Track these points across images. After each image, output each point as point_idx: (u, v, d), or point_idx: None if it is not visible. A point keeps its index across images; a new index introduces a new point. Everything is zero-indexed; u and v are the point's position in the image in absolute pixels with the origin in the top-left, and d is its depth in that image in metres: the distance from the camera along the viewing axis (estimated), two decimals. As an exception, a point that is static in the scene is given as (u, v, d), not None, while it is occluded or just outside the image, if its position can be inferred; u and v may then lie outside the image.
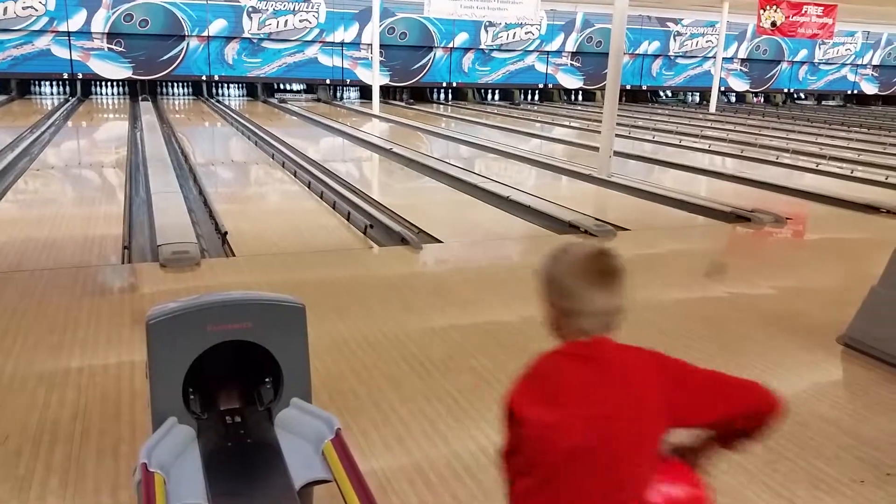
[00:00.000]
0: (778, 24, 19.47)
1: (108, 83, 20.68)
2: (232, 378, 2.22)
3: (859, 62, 28.84)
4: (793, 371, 3.77)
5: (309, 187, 8.44)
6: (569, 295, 1.52)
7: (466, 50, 23.60)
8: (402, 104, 22.82)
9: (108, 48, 19.83)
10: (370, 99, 19.05)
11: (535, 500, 1.39)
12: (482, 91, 25.12)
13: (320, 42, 21.68)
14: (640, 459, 1.42)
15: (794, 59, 27.97)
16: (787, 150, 12.97)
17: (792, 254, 6.67)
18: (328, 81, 22.48)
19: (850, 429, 3.16)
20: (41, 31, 19.15)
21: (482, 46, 23.67)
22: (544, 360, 1.52)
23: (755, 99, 28.34)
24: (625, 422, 1.39)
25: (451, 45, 23.25)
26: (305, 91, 23.14)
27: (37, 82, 20.44)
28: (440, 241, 6.18)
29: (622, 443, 1.39)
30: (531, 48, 24.31)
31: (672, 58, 26.24)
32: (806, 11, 19.66)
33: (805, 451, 2.93)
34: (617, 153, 10.07)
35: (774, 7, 19.27)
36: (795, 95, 28.98)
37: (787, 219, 7.44)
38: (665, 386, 1.46)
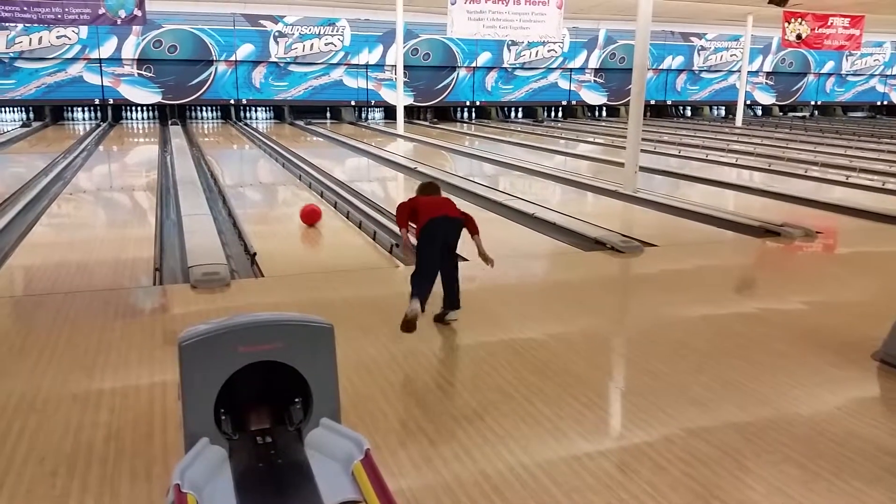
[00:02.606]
0: (803, 36, 19.31)
1: (139, 108, 21.12)
2: (262, 398, 2.23)
3: (888, 73, 28.48)
4: (826, 388, 3.70)
5: (335, 207, 8.51)
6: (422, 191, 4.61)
7: (489, 69, 23.74)
8: (426, 123, 22.97)
9: (138, 74, 20.27)
10: (394, 119, 19.22)
11: (423, 217, 4.27)
12: (505, 109, 25.22)
13: (345, 64, 21.95)
14: (451, 204, 4.43)
15: (821, 72, 27.71)
16: (815, 163, 12.82)
17: (822, 268, 6.58)
18: (353, 103, 22.72)
19: (891, 448, 3.09)
20: (74, 59, 19.66)
21: (505, 65, 23.80)
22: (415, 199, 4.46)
23: (783, 112, 28.08)
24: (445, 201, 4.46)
25: (474, 65, 23.41)
26: (330, 116, 23.39)
27: (69, 108, 20.94)
28: (465, 259, 6.18)
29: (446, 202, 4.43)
30: (554, 66, 24.39)
31: (696, 72, 26.15)
32: (832, 23, 19.49)
33: (842, 472, 2.87)
34: (642, 168, 10.04)
35: (800, 20, 19.14)
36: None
37: (818, 233, 7.35)
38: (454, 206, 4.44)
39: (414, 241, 4.45)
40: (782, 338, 4.42)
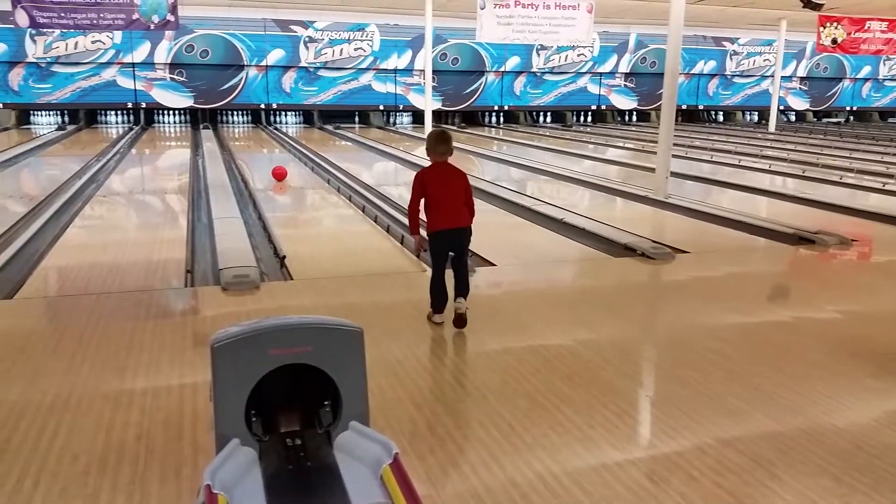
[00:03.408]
0: (839, 41, 18.99)
1: (171, 112, 21.42)
2: (291, 401, 2.24)
3: (927, 77, 27.94)
4: (862, 399, 3.62)
5: (363, 211, 8.54)
6: (431, 145, 4.52)
7: (518, 73, 23.70)
8: (454, 128, 22.99)
9: (171, 78, 20.57)
10: (423, 123, 19.26)
11: (431, 212, 4.47)
12: (534, 114, 25.15)
13: (374, 69, 22.07)
14: (458, 198, 4.49)
15: (857, 77, 27.25)
16: (850, 170, 12.59)
17: (858, 277, 6.45)
18: (381, 107, 22.83)
19: (927, 461, 3.01)
20: (108, 64, 20.00)
21: (534, 69, 23.74)
22: (426, 170, 4.55)
23: (817, 118, 27.65)
24: (452, 187, 4.49)
25: (502, 69, 23.39)
26: (358, 121, 23.51)
27: (103, 112, 21.30)
28: (493, 265, 6.17)
29: (453, 193, 4.48)
30: (584, 70, 24.27)
31: (729, 77, 25.86)
32: (869, 27, 19.14)
33: (880, 486, 2.81)
34: (674, 174, 9.94)
35: (835, 24, 18.83)
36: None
37: (853, 240, 7.21)
38: (464, 180, 4.55)
39: (424, 233, 4.59)
40: (816, 347, 4.33)
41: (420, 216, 4.57)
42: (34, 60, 19.31)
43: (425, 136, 19.62)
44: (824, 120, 27.66)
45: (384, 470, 1.92)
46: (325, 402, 2.14)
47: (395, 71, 22.34)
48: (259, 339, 2.04)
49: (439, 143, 4.52)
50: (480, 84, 23.44)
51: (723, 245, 7.28)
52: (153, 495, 2.69)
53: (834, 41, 18.99)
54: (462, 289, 4.57)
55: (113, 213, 8.97)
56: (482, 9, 15.59)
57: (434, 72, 19.82)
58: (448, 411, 3.42)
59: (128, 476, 2.80)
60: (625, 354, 4.25)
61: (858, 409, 3.52)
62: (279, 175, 10.81)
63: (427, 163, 4.65)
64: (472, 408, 3.46)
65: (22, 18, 12.65)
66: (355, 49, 21.61)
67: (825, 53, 21.87)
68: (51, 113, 20.70)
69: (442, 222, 4.46)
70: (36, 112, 20.60)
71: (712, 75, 25.67)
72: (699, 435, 3.19)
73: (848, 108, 28.06)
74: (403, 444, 3.01)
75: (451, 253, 4.59)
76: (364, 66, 21.90)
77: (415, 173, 4.62)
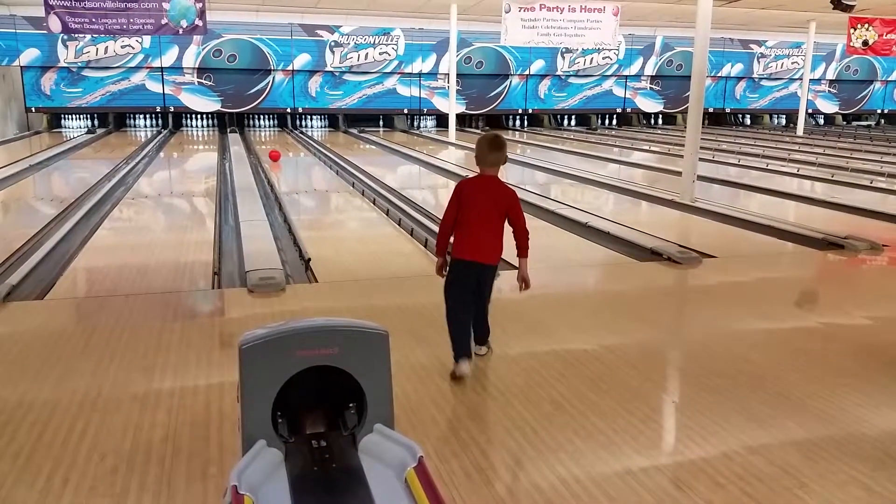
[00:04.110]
0: (870, 42, 18.70)
1: (198, 116, 21.68)
2: (317, 403, 2.25)
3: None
4: (892, 407, 3.56)
5: (387, 214, 8.58)
6: (481, 151, 3.80)
7: (543, 76, 23.66)
8: (478, 131, 23.00)
9: (199, 83, 20.81)
10: (446, 127, 19.29)
11: (457, 234, 3.80)
12: (558, 117, 25.07)
13: (399, 73, 22.15)
14: (492, 224, 3.79)
15: (889, 79, 26.81)
16: (881, 174, 12.38)
17: (889, 282, 6.34)
18: (406, 111, 22.90)
19: (960, 471, 2.95)
20: (137, 68, 20.29)
21: (559, 73, 23.67)
22: (467, 181, 3.87)
23: (846, 121, 27.24)
24: (488, 209, 3.76)
25: (527, 73, 23.35)
26: (383, 125, 23.61)
27: (132, 116, 21.62)
28: (517, 268, 6.15)
29: (487, 217, 3.77)
30: (609, 73, 24.15)
31: (756, 80, 25.58)
32: (901, 29, 18.84)
33: (911, 494, 2.76)
34: (700, 177, 9.85)
35: (866, 25, 18.54)
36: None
37: (884, 245, 7.09)
38: (506, 203, 3.81)
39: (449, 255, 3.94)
40: (846, 354, 4.27)
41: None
42: (66, 65, 19.65)
43: (449, 139, 19.13)
44: (854, 123, 27.25)
45: (408, 473, 1.93)
46: (351, 405, 2.15)
47: (420, 75, 22.40)
48: (286, 341, 2.05)
49: (491, 150, 3.78)
50: (505, 87, 23.42)
51: (750, 250, 7.20)
52: (180, 495, 2.71)
53: (865, 43, 18.70)
54: (481, 335, 4.06)
55: (141, 216, 9.09)
56: (507, 12, 15.59)
57: (458, 75, 19.87)
58: (471, 415, 3.42)
59: (155, 476, 2.84)
60: (651, 360, 4.21)
61: (890, 416, 3.46)
62: (274, 156, 13.72)
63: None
64: (496, 412, 3.45)
65: (55, 24, 12.88)
66: (380, 53, 21.71)
67: (855, 55, 21.54)
68: (81, 116, 21.05)
69: (462, 250, 3.80)
70: (67, 116, 20.96)
71: (739, 78, 25.41)
72: (726, 442, 3.15)
73: (879, 111, 27.60)
74: (427, 447, 3.01)
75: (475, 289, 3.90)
76: (389, 69, 21.98)
77: (454, 183, 4.05)
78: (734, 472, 2.90)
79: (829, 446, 3.12)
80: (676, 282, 6.16)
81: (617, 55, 23.74)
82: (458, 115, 20.26)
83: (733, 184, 11.55)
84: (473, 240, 3.78)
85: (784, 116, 26.83)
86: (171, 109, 21.04)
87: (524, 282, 3.93)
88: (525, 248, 3.90)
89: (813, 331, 4.76)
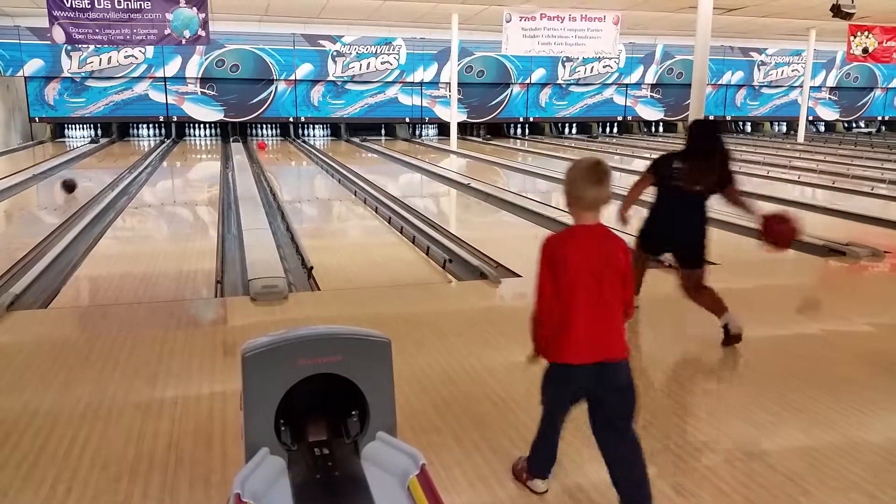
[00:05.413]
0: (870, 50, 18.74)
1: (201, 125, 21.74)
2: (319, 411, 2.26)
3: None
4: (895, 413, 3.56)
5: (389, 223, 8.59)
6: (575, 188, 2.61)
7: (543, 85, 23.71)
8: (479, 140, 23.05)
9: (201, 92, 20.88)
10: (448, 136, 19.34)
11: (557, 321, 2.55)
12: (559, 125, 25.12)
13: (401, 82, 22.23)
14: (614, 297, 2.56)
15: (889, 86, 26.84)
16: (882, 181, 12.39)
17: (891, 289, 6.34)
18: (408, 120, 22.97)
19: (963, 477, 2.95)
20: (140, 78, 20.37)
21: (559, 81, 23.73)
22: (561, 237, 2.62)
23: (847, 128, 27.25)
24: (602, 263, 2.52)
25: (528, 81, 23.41)
26: (384, 133, 23.67)
27: (135, 125, 21.68)
28: (519, 276, 6.16)
29: (609, 284, 2.53)
30: (610, 81, 24.21)
31: (757, 87, 25.62)
32: (901, 36, 18.89)
33: (914, 501, 2.76)
34: (700, 186, 9.83)
35: (866, 33, 18.59)
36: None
37: (885, 252, 7.09)
38: (625, 261, 2.57)
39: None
40: (848, 361, 4.27)
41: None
42: (69, 75, 19.73)
43: (450, 148, 19.11)
44: (854, 130, 27.26)
45: (411, 481, 1.93)
46: (353, 412, 2.16)
47: (422, 84, 22.47)
48: (289, 349, 2.06)
49: (591, 183, 2.53)
50: (506, 96, 23.48)
51: (751, 256, 7.20)
52: (182, 503, 2.72)
53: (865, 50, 18.75)
54: (626, 493, 2.59)
55: (144, 225, 9.11)
56: (508, 22, 15.66)
57: (460, 84, 19.92)
58: (474, 423, 3.42)
59: (158, 484, 2.84)
60: (652, 365, 4.22)
61: (891, 422, 3.46)
62: (261, 146, 15.02)
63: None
64: (499, 420, 3.46)
65: (59, 35, 12.94)
66: (382, 63, 21.79)
67: (855, 63, 21.58)
68: (84, 126, 21.12)
69: (574, 348, 2.51)
70: (70, 125, 21.03)
71: (740, 86, 25.46)
72: (727, 448, 3.15)
73: (879, 118, 27.63)
74: (429, 455, 3.02)
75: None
76: (391, 79, 22.06)
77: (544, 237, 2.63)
78: (737, 478, 2.90)
79: (831, 452, 3.12)
80: (677, 288, 6.15)
81: (617, 64, 23.80)
82: (459, 124, 20.30)
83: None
84: (587, 325, 2.50)
85: (785, 124, 26.86)
86: (174, 119, 21.10)
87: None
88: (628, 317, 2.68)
89: (815, 337, 4.76)
